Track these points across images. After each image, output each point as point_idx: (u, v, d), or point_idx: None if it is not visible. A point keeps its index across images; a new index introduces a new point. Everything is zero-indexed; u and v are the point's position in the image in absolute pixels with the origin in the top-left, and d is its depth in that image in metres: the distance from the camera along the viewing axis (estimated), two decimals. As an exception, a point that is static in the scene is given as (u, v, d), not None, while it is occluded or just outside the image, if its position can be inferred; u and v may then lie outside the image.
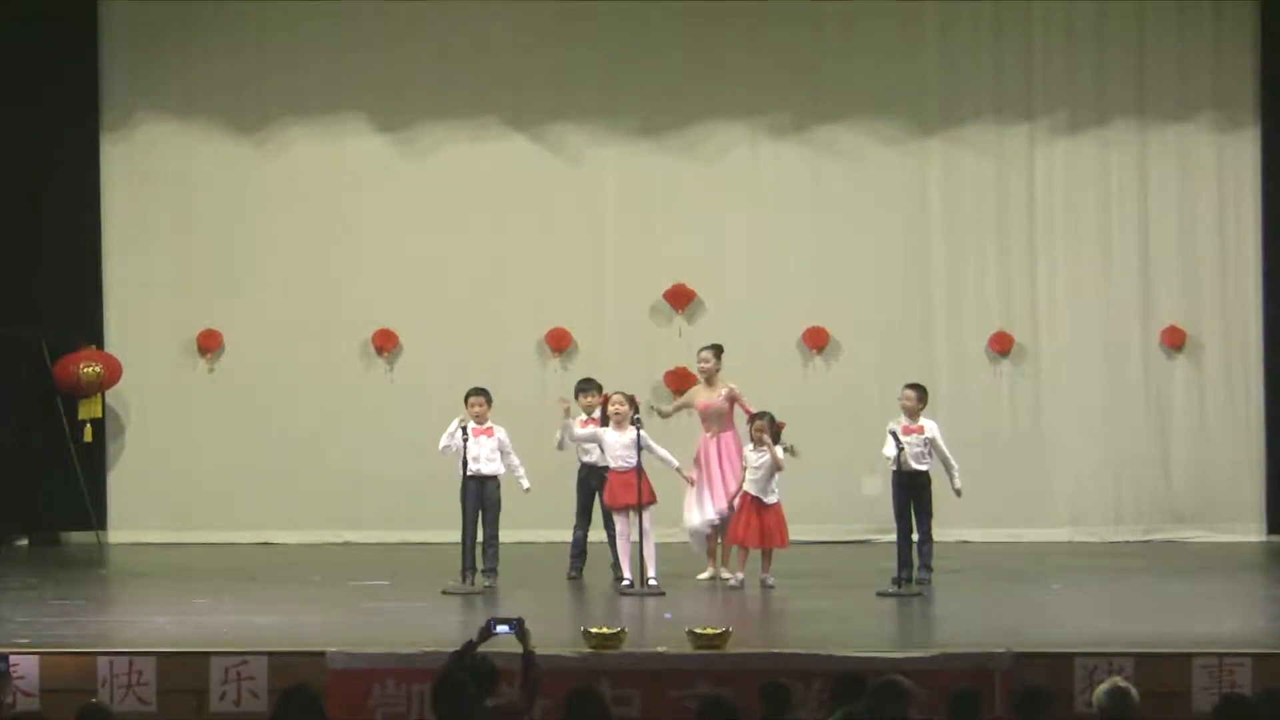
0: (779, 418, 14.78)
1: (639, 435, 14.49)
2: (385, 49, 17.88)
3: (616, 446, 14.52)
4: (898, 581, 14.28)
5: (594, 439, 14.68)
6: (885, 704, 8.85)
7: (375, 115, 17.94)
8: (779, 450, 14.47)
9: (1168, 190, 17.81)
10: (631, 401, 14.72)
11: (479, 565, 14.62)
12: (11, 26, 17.47)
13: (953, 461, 14.57)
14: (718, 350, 15.28)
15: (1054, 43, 17.82)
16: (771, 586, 14.48)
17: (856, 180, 17.84)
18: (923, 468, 14.44)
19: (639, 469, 14.46)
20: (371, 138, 17.97)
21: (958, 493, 14.56)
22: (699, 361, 15.32)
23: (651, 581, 14.30)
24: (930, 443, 14.49)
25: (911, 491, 14.46)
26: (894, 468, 14.45)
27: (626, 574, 14.42)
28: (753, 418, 14.70)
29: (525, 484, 14.76)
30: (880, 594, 14.15)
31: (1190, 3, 17.81)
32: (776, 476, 14.51)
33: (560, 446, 14.96)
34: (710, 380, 15.21)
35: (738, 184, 17.91)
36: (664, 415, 15.35)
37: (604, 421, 14.69)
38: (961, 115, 17.81)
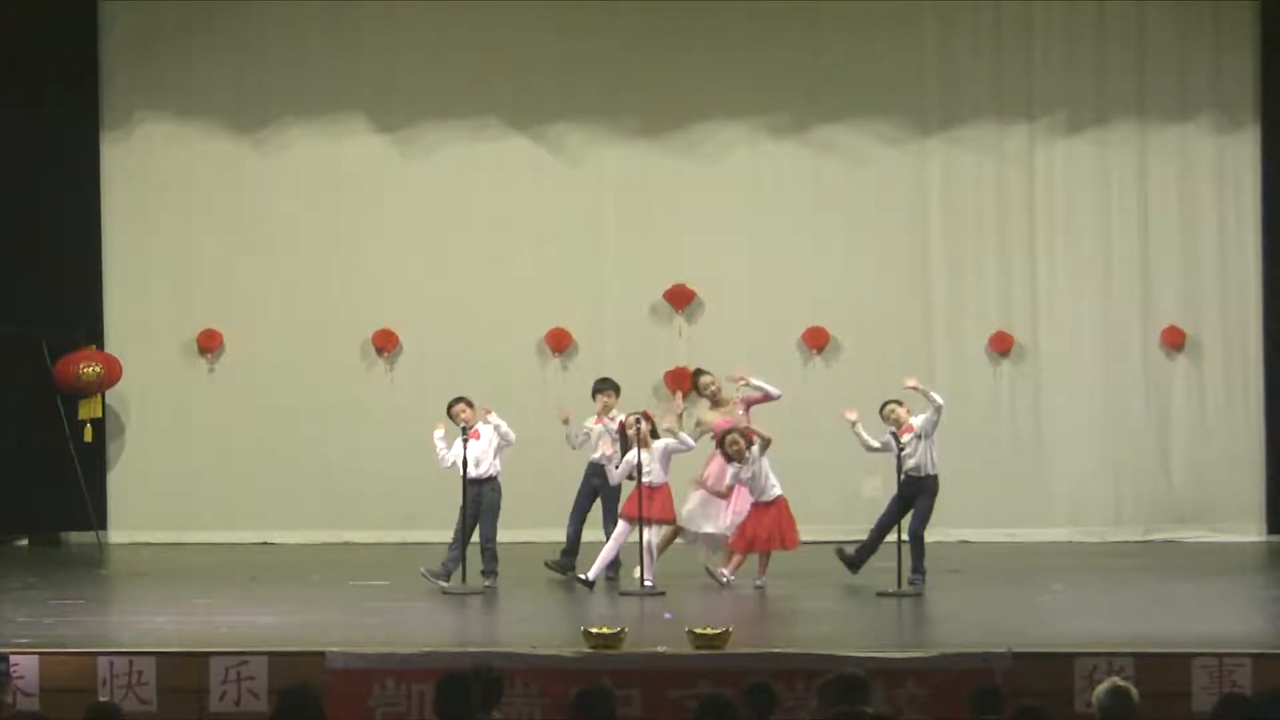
0: (777, 418, 14.83)
1: (667, 444, 14.50)
2: (385, 49, 17.88)
3: (647, 464, 14.44)
4: (914, 581, 14.19)
5: (629, 465, 14.57)
6: (843, 698, 8.93)
7: (375, 115, 17.95)
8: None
9: (1168, 190, 17.82)
10: (646, 417, 14.69)
11: (474, 565, 14.60)
12: (11, 27, 17.46)
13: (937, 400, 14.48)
14: (705, 372, 15.29)
15: (1054, 43, 17.83)
16: (759, 587, 14.47)
17: (856, 180, 17.85)
18: (928, 472, 14.39)
19: (666, 486, 14.46)
20: (371, 138, 17.97)
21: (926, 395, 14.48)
22: (706, 389, 15.25)
23: (647, 583, 14.30)
24: (923, 431, 14.42)
25: (913, 498, 14.43)
26: (900, 475, 14.42)
27: (634, 573, 14.39)
28: (723, 435, 14.64)
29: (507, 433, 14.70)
30: (880, 594, 14.15)
31: (1190, 3, 17.82)
32: (769, 476, 14.50)
33: (573, 445, 15.03)
34: (717, 399, 15.22)
35: (738, 184, 17.91)
36: (691, 445, 15.11)
37: (622, 443, 14.61)
38: (961, 115, 17.82)
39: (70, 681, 11.28)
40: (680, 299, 17.78)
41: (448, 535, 14.77)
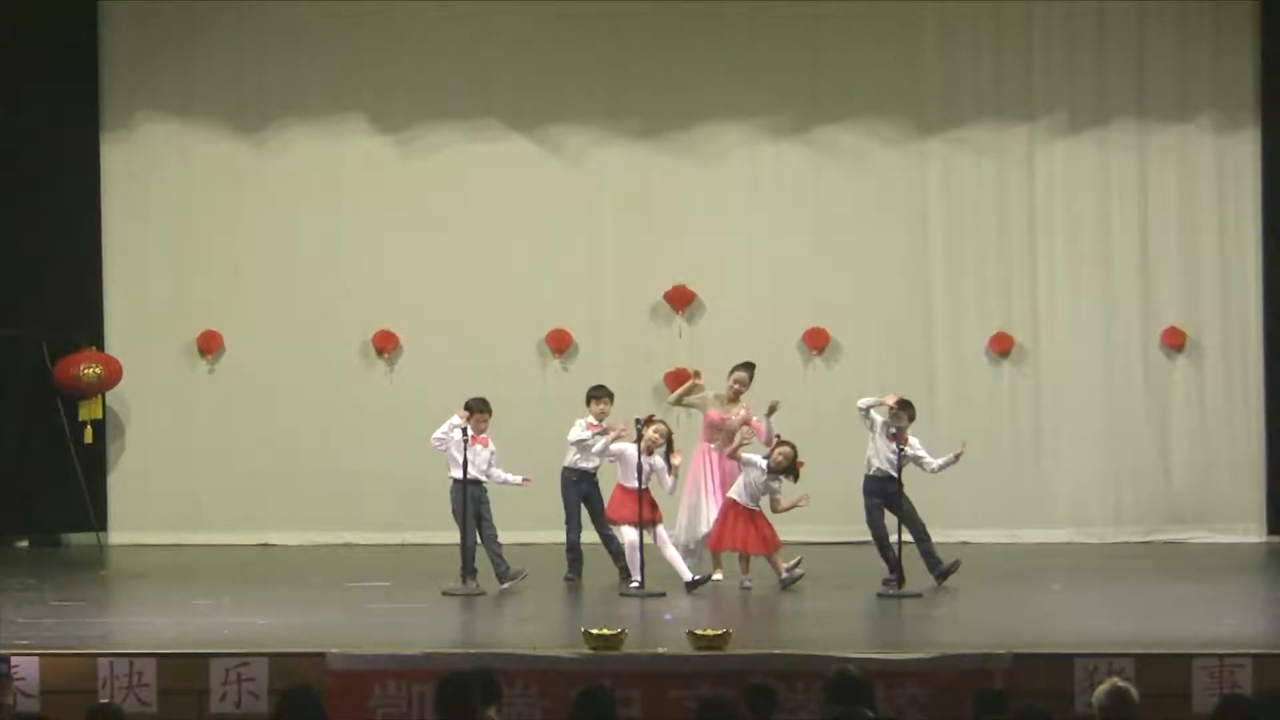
0: (777, 419, 14.88)
1: (657, 466, 14.52)
2: (385, 49, 17.88)
3: (633, 464, 14.47)
4: (890, 582, 14.27)
5: (620, 454, 14.63)
6: (846, 697, 8.97)
7: (375, 115, 17.95)
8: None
9: (1168, 190, 17.82)
10: (668, 437, 14.70)
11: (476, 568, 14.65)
12: (11, 26, 17.46)
13: (931, 462, 14.57)
14: (752, 371, 15.29)
15: (1054, 43, 17.83)
16: (747, 589, 14.50)
17: (857, 181, 17.84)
18: (895, 473, 14.42)
19: (644, 489, 14.50)
20: (371, 138, 17.97)
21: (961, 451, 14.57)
22: (734, 383, 15.24)
23: (695, 578, 14.33)
24: (914, 454, 14.49)
25: (885, 496, 14.44)
26: (876, 470, 14.46)
27: (637, 576, 14.39)
28: (780, 444, 14.60)
29: (516, 479, 14.76)
30: (880, 595, 14.16)
31: (1190, 3, 17.82)
32: (763, 497, 14.58)
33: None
34: (734, 398, 15.22)
35: (738, 185, 17.91)
36: (672, 403, 15.25)
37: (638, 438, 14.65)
38: (961, 116, 17.82)
39: (71, 683, 11.28)
40: (680, 300, 17.77)
41: (447, 536, 14.80)
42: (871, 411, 14.62)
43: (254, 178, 17.98)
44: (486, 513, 14.75)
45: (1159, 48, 17.80)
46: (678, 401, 15.44)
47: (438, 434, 14.73)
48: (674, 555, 14.53)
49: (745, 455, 14.73)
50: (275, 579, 15.36)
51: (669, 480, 14.64)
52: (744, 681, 9.60)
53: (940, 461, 14.63)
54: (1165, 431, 17.75)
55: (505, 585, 14.53)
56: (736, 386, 15.26)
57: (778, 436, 14.74)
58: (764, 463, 14.57)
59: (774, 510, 14.61)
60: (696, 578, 14.42)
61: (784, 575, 14.57)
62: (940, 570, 14.52)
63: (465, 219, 17.86)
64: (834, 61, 17.86)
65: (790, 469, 14.52)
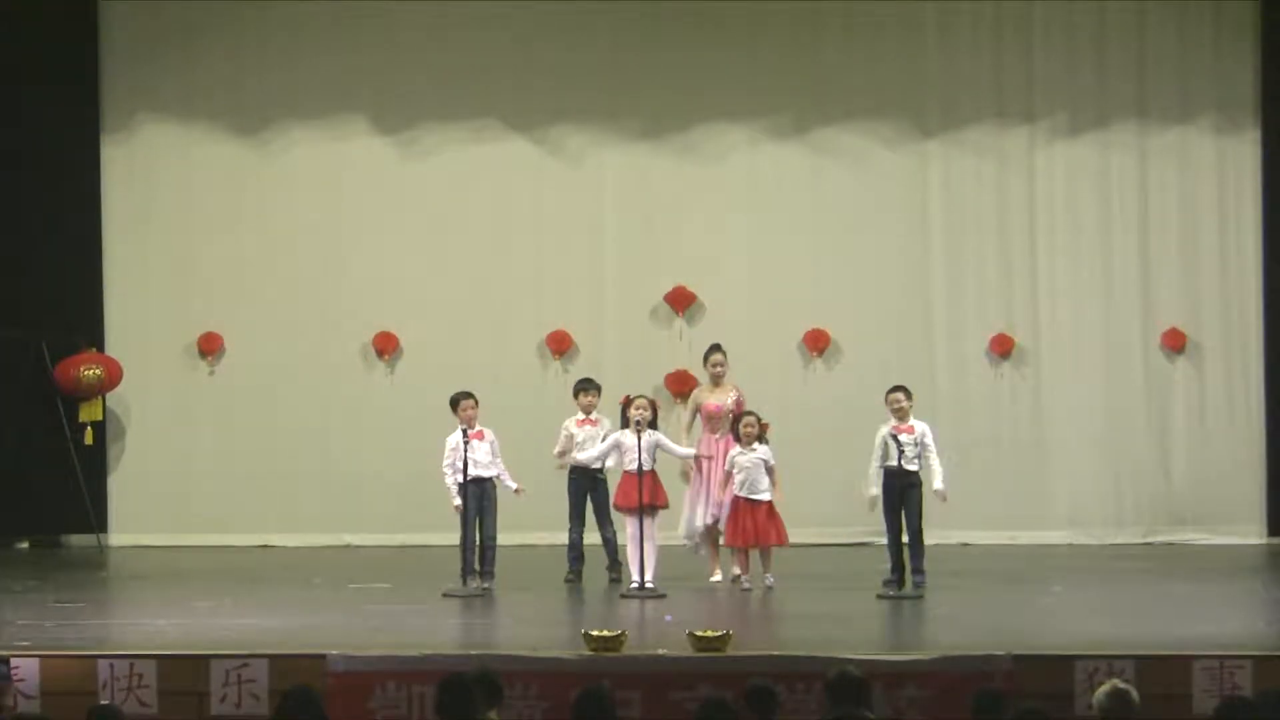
0: (777, 420, 14.83)
1: (658, 439, 14.52)
2: (385, 49, 17.88)
3: (635, 450, 14.48)
4: (890, 583, 14.26)
5: (617, 445, 14.63)
6: (845, 698, 8.98)
7: (375, 116, 17.94)
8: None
9: (1168, 191, 17.82)
10: (653, 406, 14.70)
11: (478, 567, 14.63)
12: (11, 27, 17.47)
13: (938, 467, 14.48)
14: (722, 349, 15.27)
15: (1054, 43, 17.83)
16: (770, 587, 14.49)
17: (857, 182, 17.84)
18: (913, 468, 14.39)
19: (653, 473, 14.46)
20: (371, 139, 17.97)
21: (939, 495, 14.44)
22: (713, 366, 15.22)
23: (649, 585, 14.30)
24: (921, 444, 14.43)
25: (901, 492, 14.40)
26: (888, 464, 14.40)
27: (636, 576, 14.38)
28: (740, 416, 14.68)
29: (514, 485, 14.77)
30: (881, 596, 14.15)
31: (1190, 3, 17.82)
32: (765, 476, 14.52)
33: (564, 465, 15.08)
34: (719, 382, 15.21)
35: (738, 186, 17.91)
36: (691, 456, 15.05)
37: (624, 424, 14.63)
38: (962, 117, 17.81)
39: (71, 684, 11.27)
40: (681, 301, 17.77)
41: (447, 538, 14.80)
42: (875, 461, 14.45)
43: (254, 179, 17.98)
44: (491, 508, 14.71)
45: (1159, 48, 17.80)
46: (691, 423, 15.36)
47: (446, 462, 14.61)
48: (650, 551, 14.40)
49: (728, 461, 14.72)
50: (275, 580, 15.36)
51: (680, 450, 14.62)
52: (744, 683, 9.61)
53: (937, 466, 14.50)
54: (1165, 433, 17.74)
55: (477, 585, 14.46)
56: (717, 370, 15.22)
57: (732, 406, 14.75)
58: (738, 446, 14.56)
59: (771, 479, 14.55)
60: (647, 584, 14.31)
61: (765, 575, 14.57)
62: (895, 588, 14.32)
63: (465, 219, 17.87)
64: (834, 61, 17.85)
65: (761, 435, 14.52)
